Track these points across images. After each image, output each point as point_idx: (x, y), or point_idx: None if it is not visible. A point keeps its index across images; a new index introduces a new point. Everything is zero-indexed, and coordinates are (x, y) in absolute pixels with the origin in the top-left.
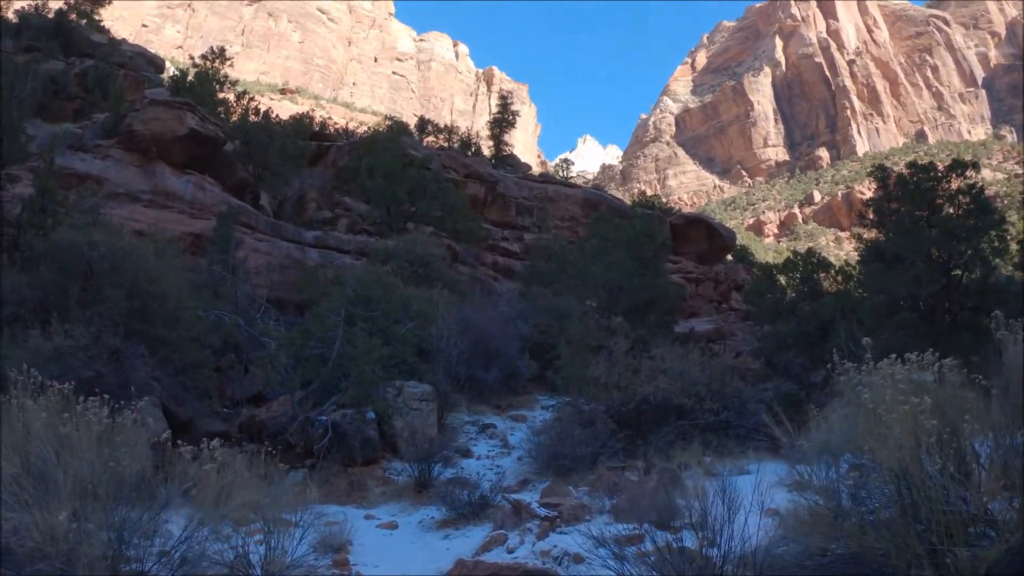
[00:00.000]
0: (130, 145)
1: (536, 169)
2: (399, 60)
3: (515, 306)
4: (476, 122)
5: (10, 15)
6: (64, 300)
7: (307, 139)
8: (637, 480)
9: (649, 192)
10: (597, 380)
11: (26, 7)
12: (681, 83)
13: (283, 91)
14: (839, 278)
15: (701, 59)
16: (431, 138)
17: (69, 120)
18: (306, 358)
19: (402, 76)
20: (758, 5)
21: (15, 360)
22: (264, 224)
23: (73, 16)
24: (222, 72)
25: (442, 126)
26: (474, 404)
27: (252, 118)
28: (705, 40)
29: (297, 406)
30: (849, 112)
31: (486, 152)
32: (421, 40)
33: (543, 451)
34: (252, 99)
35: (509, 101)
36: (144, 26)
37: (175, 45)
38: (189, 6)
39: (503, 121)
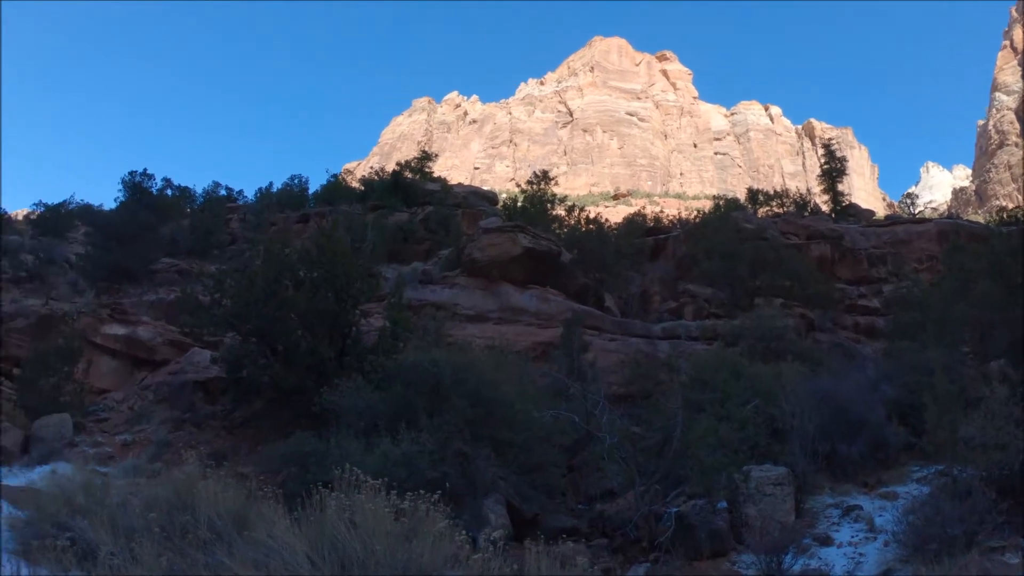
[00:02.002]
0: (473, 271)
1: (881, 213)
2: (717, 139)
3: (879, 367)
4: (809, 181)
5: (355, 184)
6: (413, 412)
7: (642, 236)
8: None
9: (1010, 205)
10: (971, 441)
11: (366, 174)
12: (1007, 71)
13: (615, 197)
14: None
15: (1019, 36)
16: (764, 208)
17: (420, 260)
18: (645, 449)
19: (724, 154)
20: None
21: (367, 464)
22: (610, 324)
23: (407, 173)
24: (549, 192)
25: (772, 192)
26: (838, 484)
27: (584, 227)
28: (1016, 13)
29: (640, 499)
30: None
31: (824, 209)
32: (732, 114)
33: (911, 533)
34: (582, 210)
35: (834, 148)
36: (476, 168)
37: (507, 179)
38: (511, 141)
39: (832, 171)
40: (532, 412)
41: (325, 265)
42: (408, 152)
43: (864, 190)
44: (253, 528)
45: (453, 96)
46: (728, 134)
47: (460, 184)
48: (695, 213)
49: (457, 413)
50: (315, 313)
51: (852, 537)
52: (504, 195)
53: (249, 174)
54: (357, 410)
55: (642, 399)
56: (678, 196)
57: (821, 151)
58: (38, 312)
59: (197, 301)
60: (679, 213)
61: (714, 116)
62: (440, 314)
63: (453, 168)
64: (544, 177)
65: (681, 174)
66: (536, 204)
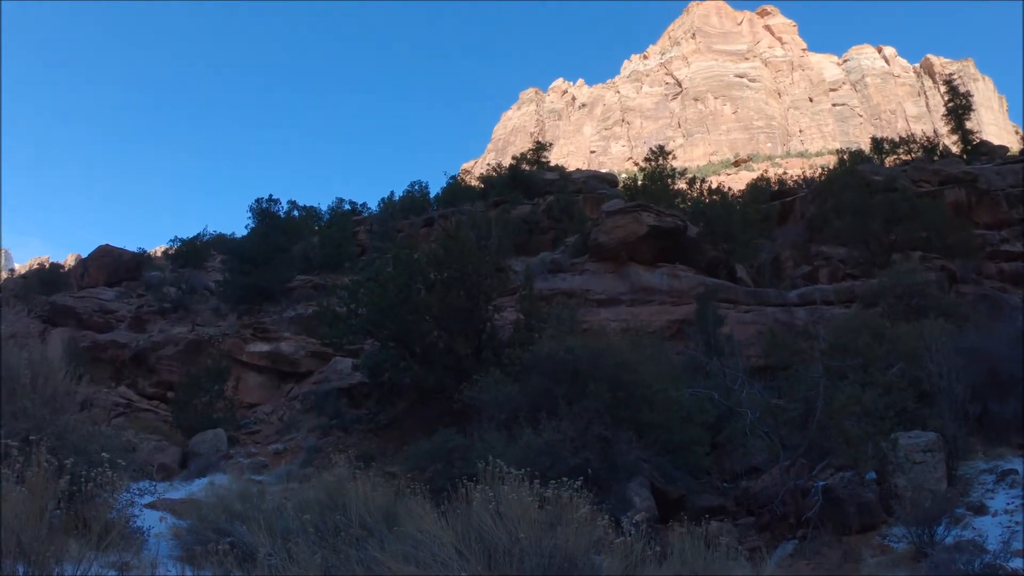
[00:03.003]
0: (600, 255)
1: (1015, 147)
2: (832, 90)
3: None
4: (935, 122)
5: (474, 182)
6: (552, 401)
7: (767, 201)
8: None
9: None
10: None
11: (484, 172)
12: None
13: (736, 163)
14: None
15: None
16: (891, 157)
17: (547, 250)
18: (788, 422)
19: (842, 105)
20: None
21: (509, 456)
22: (744, 295)
23: (524, 166)
24: (668, 167)
25: (897, 139)
26: (992, 447)
27: (708, 198)
28: None
29: (785, 474)
30: None
31: (954, 150)
32: (845, 61)
33: None
34: (703, 181)
35: (956, 84)
36: (592, 152)
37: (624, 158)
38: (623, 121)
39: (957, 108)
40: (671, 392)
41: (454, 265)
42: (522, 145)
43: (995, 125)
44: (402, 523)
45: (559, 83)
46: (843, 83)
47: (578, 170)
48: (820, 171)
49: (596, 398)
50: (449, 313)
51: (1008, 504)
52: (623, 175)
53: (370, 187)
54: (497, 403)
55: (782, 370)
56: (800, 155)
57: (943, 88)
58: (186, 338)
59: (334, 313)
60: (803, 172)
61: (826, 66)
62: (572, 301)
63: (569, 155)
64: (661, 152)
65: (800, 131)
66: (656, 181)
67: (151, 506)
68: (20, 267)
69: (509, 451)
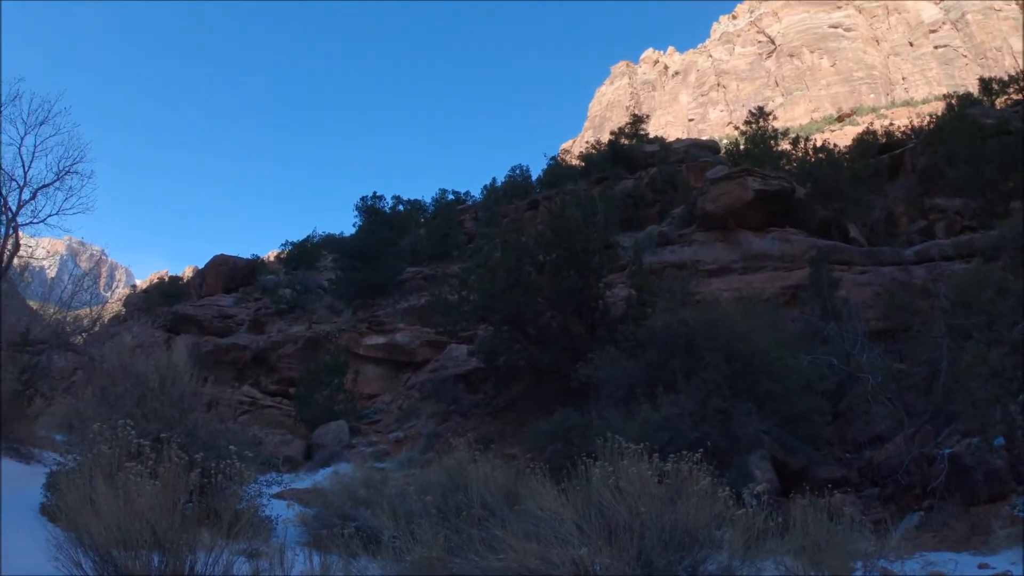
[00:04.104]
0: (708, 224)
1: None
2: (932, 31)
3: None
4: None
5: (575, 162)
6: (669, 375)
7: (875, 155)
8: None
9: None
10: None
11: (583, 150)
12: None
13: (839, 118)
14: None
15: None
16: (1001, 97)
17: (654, 223)
18: (911, 387)
19: (944, 46)
20: None
21: (628, 432)
22: (858, 255)
23: (623, 140)
24: (770, 128)
25: (1006, 77)
26: None
27: (813, 157)
28: None
29: (909, 442)
30: None
31: None
32: (942, 0)
33: None
34: (807, 140)
35: None
36: (690, 120)
37: (724, 124)
38: (718, 85)
39: None
40: (789, 360)
41: (562, 245)
42: (619, 119)
43: None
44: (523, 502)
45: (649, 53)
46: (943, 23)
47: (678, 139)
48: (928, 119)
49: (713, 370)
50: (560, 293)
51: None
52: (725, 141)
53: (472, 175)
54: (614, 380)
55: (902, 332)
56: (906, 103)
57: None
58: (304, 336)
59: (446, 301)
60: (911, 122)
61: (923, 7)
62: (683, 273)
63: (667, 125)
64: (761, 114)
65: (903, 79)
66: (759, 143)
67: (278, 496)
68: (141, 282)
69: (627, 427)
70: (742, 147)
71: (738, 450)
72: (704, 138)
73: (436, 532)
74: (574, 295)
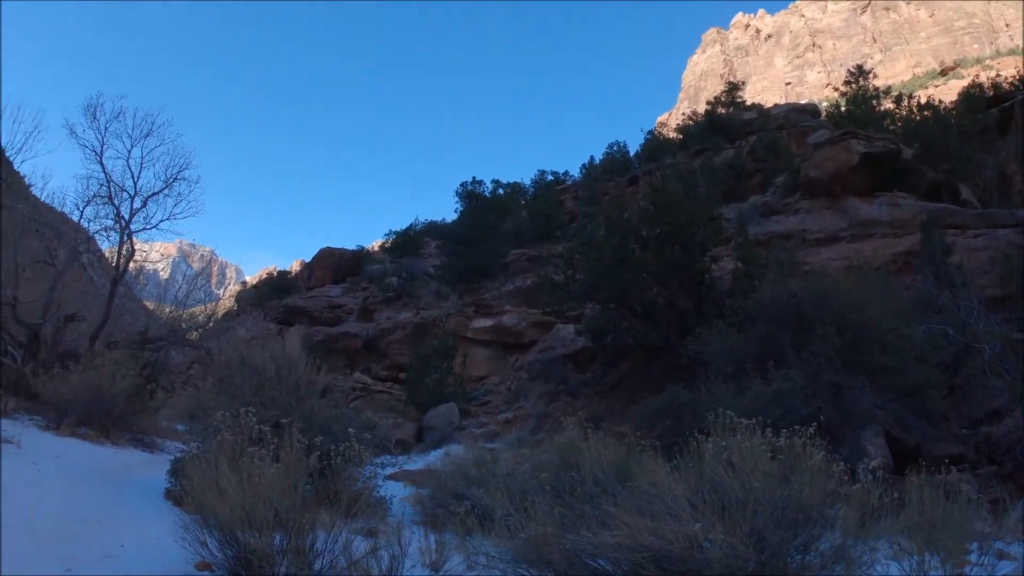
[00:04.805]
0: (813, 191)
1: None
2: None
3: None
4: None
5: (672, 134)
6: (779, 348)
7: (983, 110)
8: None
9: None
10: None
11: (680, 122)
12: None
13: (942, 72)
14: None
15: None
16: None
17: (757, 193)
18: None
19: None
20: None
21: (738, 408)
22: (972, 218)
23: (720, 110)
24: (871, 87)
25: None
26: None
27: (918, 116)
28: None
29: None
30: None
31: None
32: None
33: None
34: (911, 97)
35: None
36: (787, 84)
37: (822, 85)
38: (813, 45)
39: None
40: (902, 331)
41: (665, 219)
42: (714, 88)
43: None
44: (635, 479)
45: (739, 18)
46: None
47: (776, 105)
48: None
49: (824, 343)
50: (666, 268)
51: None
52: (824, 104)
53: (570, 155)
54: (723, 355)
55: (1021, 299)
56: (1012, 52)
57: None
58: (412, 322)
59: (552, 281)
60: (1019, 72)
61: None
62: (789, 243)
63: (764, 91)
64: (860, 73)
65: (1007, 25)
66: (861, 104)
67: (392, 477)
68: (251, 278)
69: (738, 403)
70: (843, 109)
71: (851, 426)
72: (803, 102)
73: (550, 509)
74: (680, 270)
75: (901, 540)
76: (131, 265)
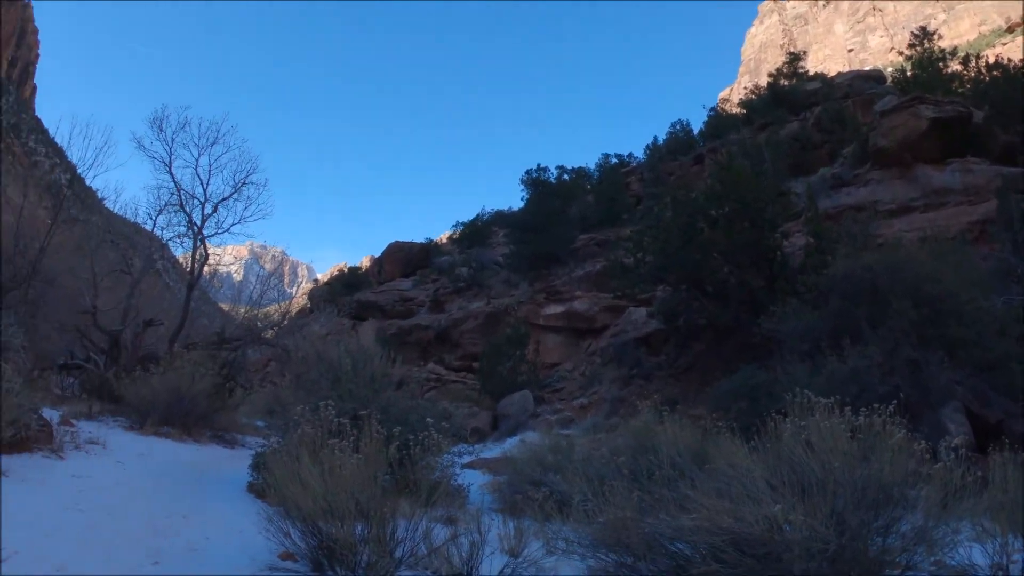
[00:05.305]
0: (883, 161)
1: None
2: None
3: None
4: None
5: (735, 110)
6: (854, 325)
7: None
8: None
9: None
10: None
11: (742, 97)
12: None
13: (1009, 29)
14: None
15: None
16: None
17: (825, 165)
18: None
19: None
20: None
21: (814, 387)
22: None
23: (783, 81)
24: (936, 49)
25: None
26: None
27: (987, 76)
28: None
29: None
30: None
31: None
32: None
33: None
34: (978, 57)
35: None
36: (849, 51)
37: (886, 50)
38: (874, 9)
39: None
40: (981, 302)
41: (733, 197)
42: (774, 60)
43: None
44: (712, 462)
45: None
46: None
47: (839, 73)
48: None
49: (900, 317)
50: (736, 247)
51: None
52: (890, 69)
53: (633, 137)
54: (797, 333)
55: None
56: None
57: None
58: (483, 312)
59: (622, 265)
60: None
61: None
62: (861, 215)
63: (827, 59)
64: (924, 35)
65: None
66: (927, 67)
67: (469, 466)
68: (322, 276)
69: (813, 382)
70: (909, 73)
71: (930, 403)
72: (867, 68)
73: (628, 493)
74: (750, 248)
75: (984, 521)
76: (205, 269)
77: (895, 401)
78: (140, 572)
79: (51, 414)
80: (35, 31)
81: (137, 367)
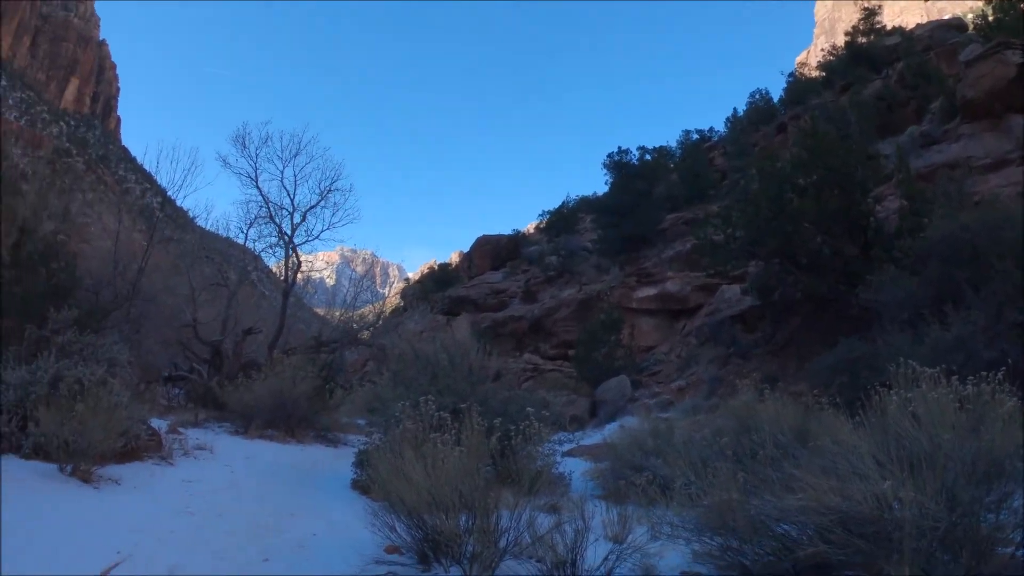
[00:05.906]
0: (972, 114)
1: None
2: None
3: None
4: None
5: (814, 73)
6: (955, 289)
7: None
8: None
9: None
10: None
11: (820, 59)
12: None
13: None
14: None
15: None
16: None
17: (913, 123)
18: None
19: None
20: None
21: (916, 357)
22: None
23: (860, 39)
24: None
25: None
26: None
27: None
28: None
29: None
30: None
31: None
32: None
33: None
34: None
35: None
36: (927, 0)
37: None
38: None
39: None
40: None
41: (820, 164)
42: (849, 18)
43: None
44: (815, 439)
45: None
46: None
47: (919, 25)
48: None
49: (1004, 278)
50: (827, 215)
51: None
52: (970, 16)
53: (713, 111)
54: (896, 301)
55: None
56: None
57: None
58: (576, 299)
59: (712, 242)
60: None
61: None
62: (955, 173)
63: (903, 12)
64: None
65: None
66: (1009, 10)
67: (570, 453)
68: (413, 275)
69: (916, 352)
70: (991, 18)
71: None
72: (946, 16)
73: (732, 475)
74: (842, 215)
75: None
76: (298, 276)
77: (1003, 368)
78: (250, 570)
79: (159, 424)
80: (113, 66)
81: (239, 374)
